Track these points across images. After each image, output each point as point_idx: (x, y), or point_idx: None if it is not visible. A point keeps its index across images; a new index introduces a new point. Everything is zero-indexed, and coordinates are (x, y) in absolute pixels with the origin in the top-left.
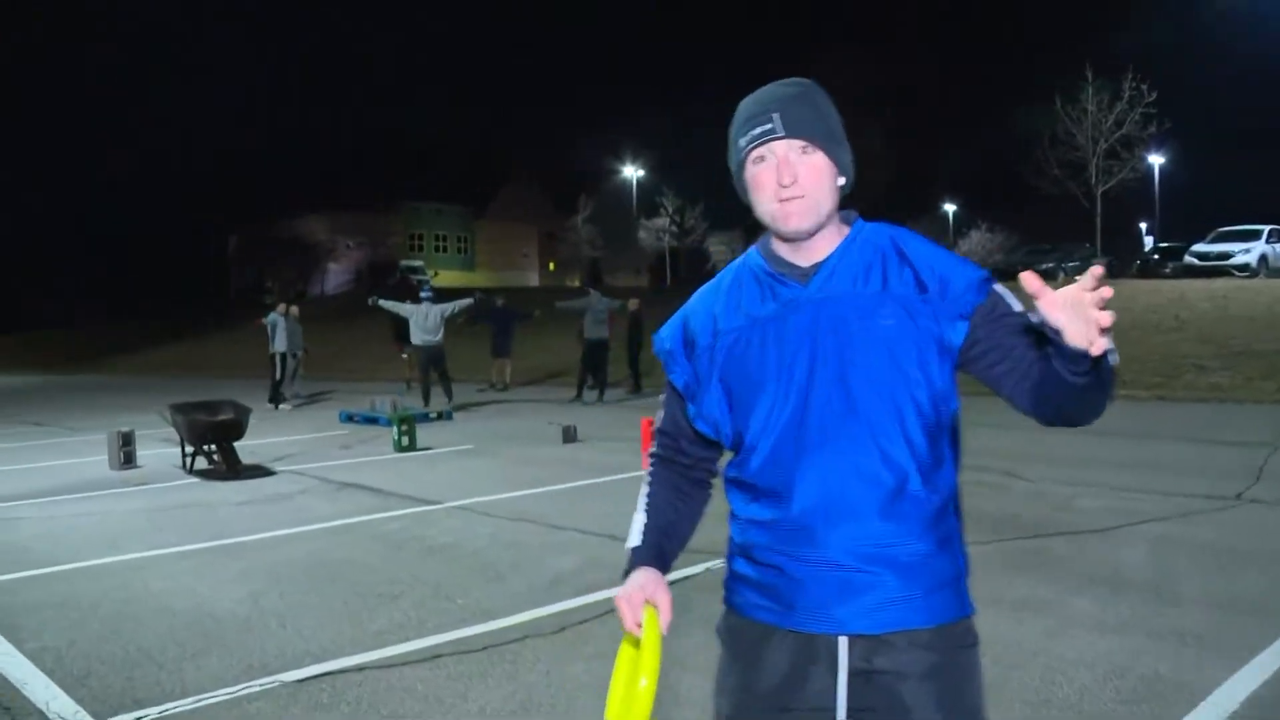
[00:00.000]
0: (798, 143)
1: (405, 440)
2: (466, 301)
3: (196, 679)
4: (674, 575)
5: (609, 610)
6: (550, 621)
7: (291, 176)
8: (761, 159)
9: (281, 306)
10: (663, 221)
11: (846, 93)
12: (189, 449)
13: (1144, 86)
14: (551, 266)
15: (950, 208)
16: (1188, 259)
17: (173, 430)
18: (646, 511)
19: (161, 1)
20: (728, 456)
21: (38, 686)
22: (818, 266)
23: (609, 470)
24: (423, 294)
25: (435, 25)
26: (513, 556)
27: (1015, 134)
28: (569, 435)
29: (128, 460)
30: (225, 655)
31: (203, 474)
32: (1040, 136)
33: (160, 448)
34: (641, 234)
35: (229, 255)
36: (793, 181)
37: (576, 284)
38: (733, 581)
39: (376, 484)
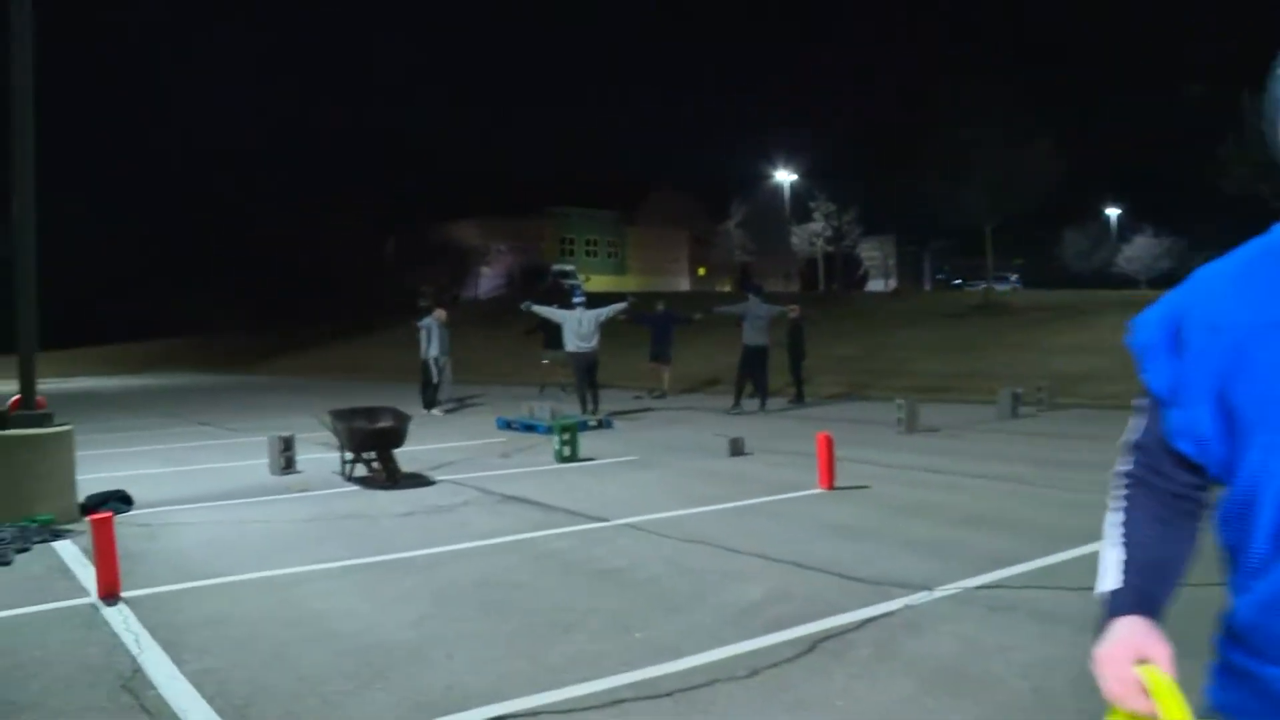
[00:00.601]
0: None
1: (567, 450)
2: (620, 305)
3: (361, 716)
4: (863, 612)
5: (806, 651)
6: (741, 663)
7: (446, 180)
8: None
9: (439, 312)
10: (816, 226)
11: (1009, 92)
12: (349, 456)
13: None
14: (701, 271)
15: (1113, 211)
16: None
17: (331, 435)
18: (1124, 545)
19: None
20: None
21: (197, 715)
22: None
23: (781, 487)
24: (575, 299)
25: (589, 30)
26: (691, 584)
27: (1188, 131)
28: (736, 448)
29: (288, 465)
30: (391, 690)
31: (362, 482)
32: (1224, 133)
33: (319, 452)
34: (794, 239)
35: (385, 258)
36: None
37: (727, 289)
38: (1224, 675)
39: (540, 497)
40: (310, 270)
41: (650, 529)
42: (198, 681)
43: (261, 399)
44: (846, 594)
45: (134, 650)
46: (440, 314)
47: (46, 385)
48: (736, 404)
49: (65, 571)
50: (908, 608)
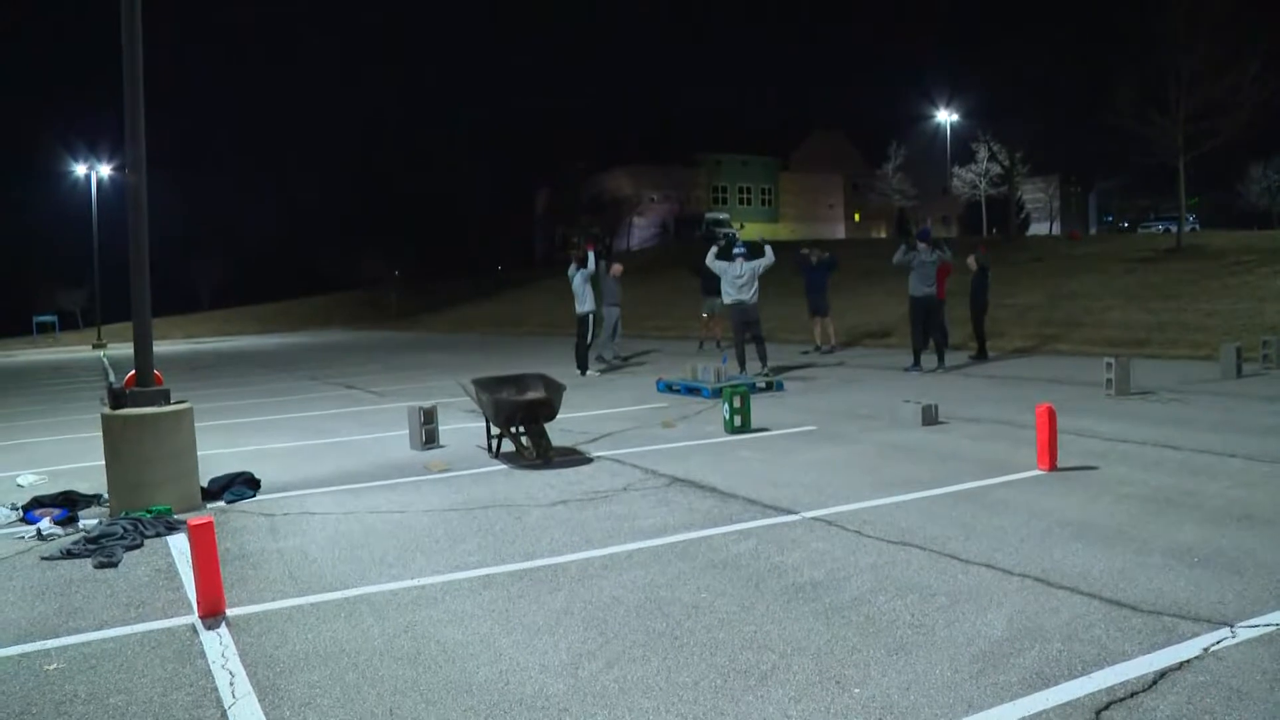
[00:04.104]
0: None
1: (738, 420)
2: (771, 260)
3: None
4: (1148, 660)
5: None
6: None
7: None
8: None
9: (615, 267)
10: (979, 169)
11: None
12: (495, 430)
13: None
14: (857, 217)
15: None
16: None
17: (474, 404)
18: None
19: None
20: None
21: None
22: None
23: (992, 468)
24: (736, 250)
25: None
26: (912, 609)
27: None
28: (929, 416)
29: (429, 440)
30: None
31: (510, 459)
32: None
33: (463, 421)
34: (955, 182)
35: (536, 212)
36: None
37: (883, 235)
38: None
39: (711, 480)
40: (463, 225)
41: (847, 524)
42: None
43: (411, 357)
44: (1118, 629)
45: (226, 699)
46: (617, 269)
47: (203, 344)
48: (916, 363)
49: (171, 577)
50: (1210, 655)
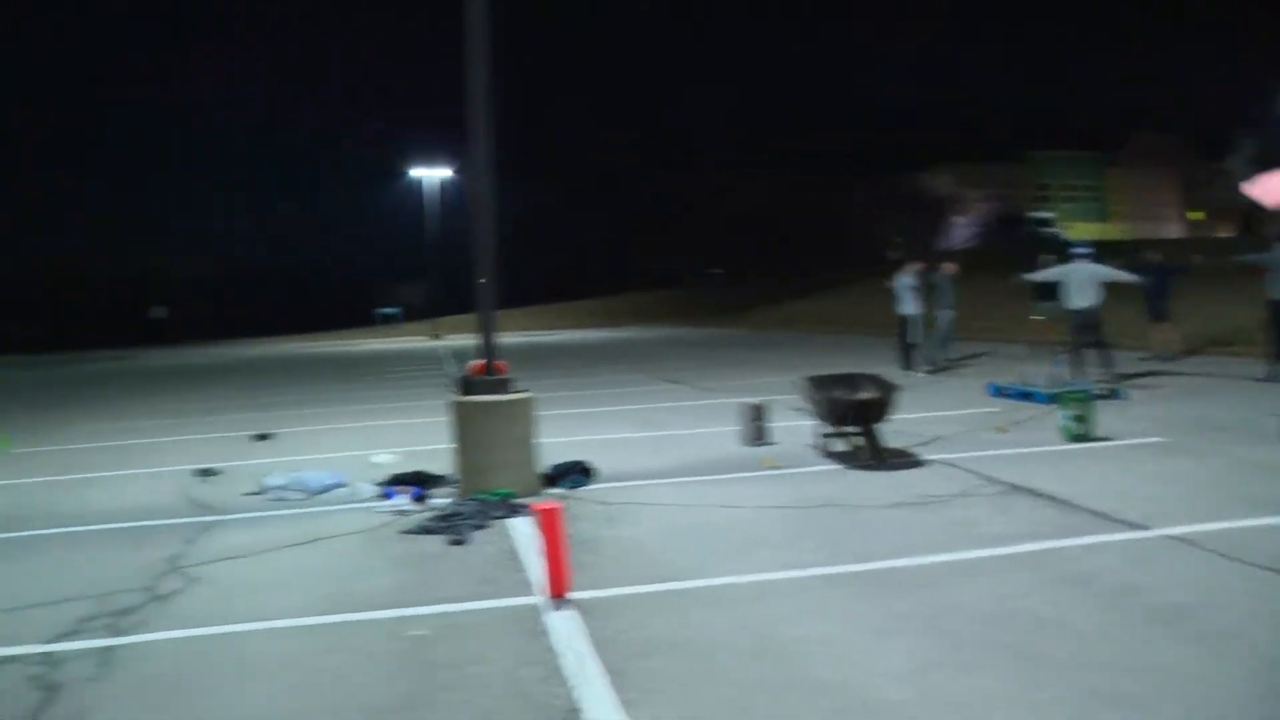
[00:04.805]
0: None
1: (1079, 428)
2: (1130, 277)
3: None
4: None
5: None
6: None
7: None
8: None
9: (946, 266)
10: None
11: None
12: (826, 429)
13: None
14: (1196, 215)
15: None
16: None
17: (805, 402)
18: None
19: None
20: None
21: None
22: None
23: None
24: (1077, 251)
25: None
26: None
27: None
28: None
29: (759, 436)
30: None
31: (841, 459)
32: None
33: (792, 419)
34: None
35: (854, 210)
36: None
37: (1223, 234)
38: None
39: (1052, 489)
40: (779, 224)
41: (1211, 545)
42: None
43: (730, 353)
44: None
45: (572, 677)
46: (950, 268)
47: (534, 337)
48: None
49: (515, 559)
50: None
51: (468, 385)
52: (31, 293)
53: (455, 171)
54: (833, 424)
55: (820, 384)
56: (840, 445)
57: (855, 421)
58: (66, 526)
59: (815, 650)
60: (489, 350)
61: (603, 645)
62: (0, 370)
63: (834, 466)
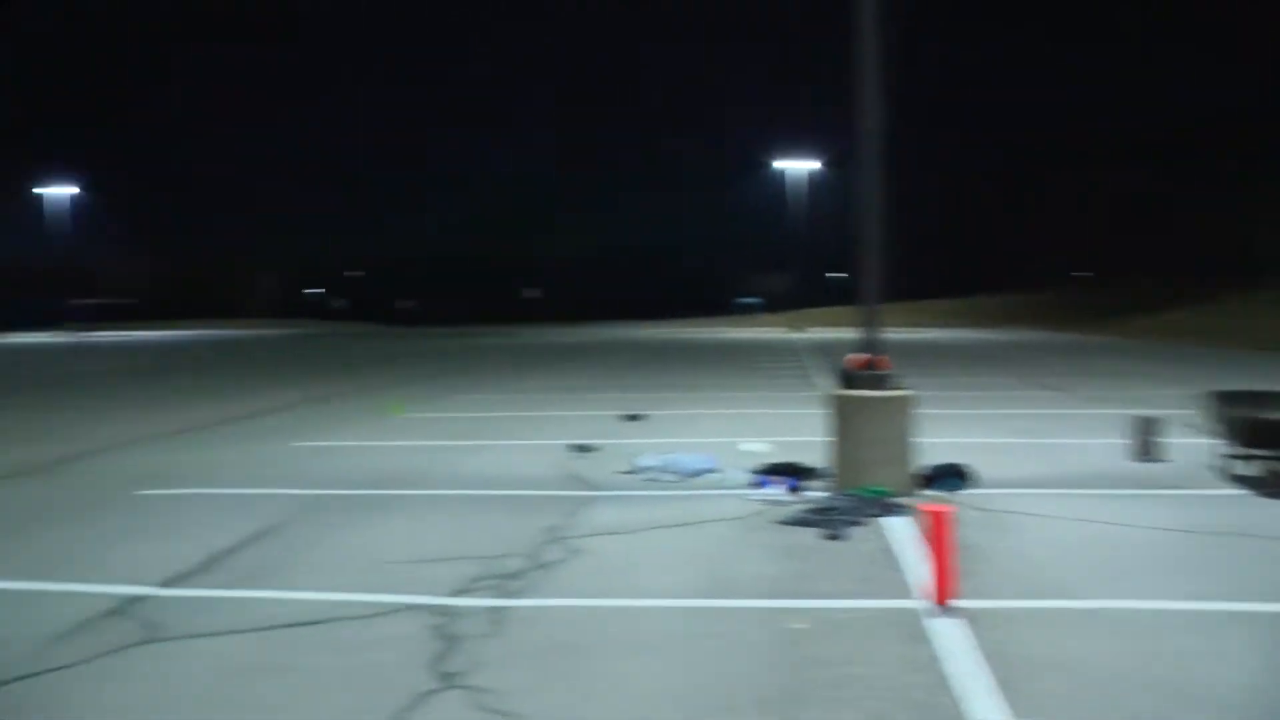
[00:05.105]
0: None
1: None
2: None
3: None
4: None
5: None
6: None
7: None
8: None
9: None
10: None
11: None
12: (1230, 450)
13: None
14: None
15: None
16: None
17: (1203, 420)
18: None
19: None
20: None
21: None
22: None
23: None
24: None
25: None
26: None
27: None
28: None
29: (1150, 452)
30: None
31: (1248, 484)
32: None
33: (1186, 437)
34: None
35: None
36: None
37: None
38: None
39: None
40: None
41: None
42: None
43: (1106, 362)
44: None
45: (960, 690)
46: None
47: (902, 334)
48: None
49: (891, 559)
50: None
51: (849, 379)
52: (416, 270)
53: (824, 164)
54: (1240, 445)
55: (1225, 399)
56: (1248, 469)
57: (1265, 444)
58: (460, 489)
59: (1221, 695)
60: (872, 345)
61: (990, 659)
62: (391, 341)
63: (1239, 491)
